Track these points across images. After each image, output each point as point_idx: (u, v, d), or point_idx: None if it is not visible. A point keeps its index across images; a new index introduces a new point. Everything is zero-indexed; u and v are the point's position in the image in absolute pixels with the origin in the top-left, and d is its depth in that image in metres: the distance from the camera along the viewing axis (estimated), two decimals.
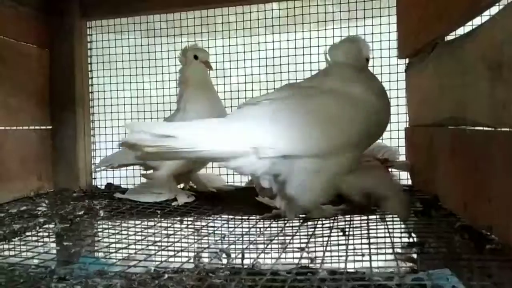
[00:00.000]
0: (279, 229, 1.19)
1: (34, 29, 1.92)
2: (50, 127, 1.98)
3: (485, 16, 1.07)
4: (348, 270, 0.84)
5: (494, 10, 0.95)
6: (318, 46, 1.84)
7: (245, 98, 1.86)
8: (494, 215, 0.91)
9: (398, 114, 1.74)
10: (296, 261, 0.93)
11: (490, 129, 0.95)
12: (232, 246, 1.05)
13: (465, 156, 1.09)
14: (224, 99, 1.88)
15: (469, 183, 1.06)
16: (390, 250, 0.93)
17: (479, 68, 0.97)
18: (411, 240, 1.00)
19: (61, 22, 1.98)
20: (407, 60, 1.73)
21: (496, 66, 0.89)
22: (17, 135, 1.80)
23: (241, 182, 1.87)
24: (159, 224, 1.28)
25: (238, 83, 1.95)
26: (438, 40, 1.33)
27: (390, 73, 1.78)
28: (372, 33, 1.79)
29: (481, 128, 1.00)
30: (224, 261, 0.94)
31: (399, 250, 0.94)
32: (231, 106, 1.89)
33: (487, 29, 0.96)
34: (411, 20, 1.55)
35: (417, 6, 1.48)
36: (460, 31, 1.22)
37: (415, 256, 0.95)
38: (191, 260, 0.93)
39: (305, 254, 0.95)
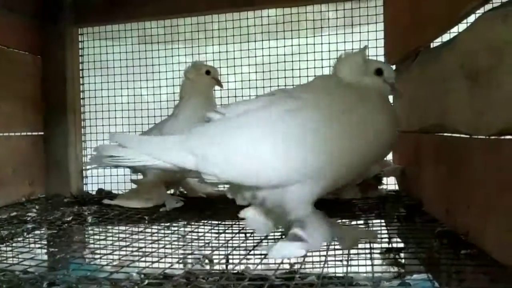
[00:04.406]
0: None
1: (26, 35, 1.93)
2: (42, 133, 1.99)
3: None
4: (337, 275, 0.86)
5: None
6: (313, 52, 1.88)
7: None
8: (472, 221, 0.93)
9: None
10: (286, 266, 0.94)
11: (468, 136, 0.97)
12: (217, 252, 1.06)
13: (447, 163, 1.10)
14: (221, 105, 1.90)
15: (450, 189, 1.08)
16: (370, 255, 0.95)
17: (458, 76, 0.99)
18: (390, 245, 1.02)
19: (54, 29, 2.00)
20: (394, 67, 1.75)
21: (473, 74, 0.91)
22: (9, 141, 1.82)
23: None
24: (146, 230, 1.29)
25: (234, 88, 1.98)
26: (422, 48, 1.35)
27: None
28: (360, 40, 1.82)
29: (460, 135, 1.02)
30: (207, 267, 0.96)
31: (377, 255, 0.96)
32: None
33: (464, 38, 0.98)
34: (398, 28, 1.57)
35: (403, 14, 1.50)
36: (446, 38, 1.24)
37: (402, 261, 0.97)
38: (174, 266, 0.95)
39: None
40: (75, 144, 2.02)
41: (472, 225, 0.93)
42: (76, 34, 2.06)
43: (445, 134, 1.13)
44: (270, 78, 1.94)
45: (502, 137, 0.80)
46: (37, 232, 1.28)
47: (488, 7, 0.93)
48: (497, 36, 0.80)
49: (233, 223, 1.33)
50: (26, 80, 1.93)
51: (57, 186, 1.96)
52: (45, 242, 1.21)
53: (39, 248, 1.14)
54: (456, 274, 0.81)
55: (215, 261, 1.00)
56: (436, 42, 1.32)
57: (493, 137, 0.83)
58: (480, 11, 0.96)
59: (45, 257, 1.10)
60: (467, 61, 0.94)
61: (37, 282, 0.86)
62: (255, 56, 1.96)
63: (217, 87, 1.81)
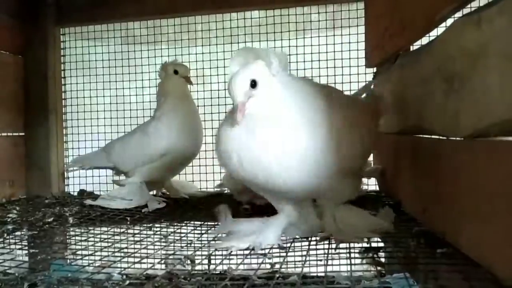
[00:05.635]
0: None
1: (7, 35, 1.92)
2: (23, 133, 1.97)
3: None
4: (318, 274, 0.87)
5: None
6: (295, 54, 1.90)
7: (225, 105, 1.89)
8: (447, 220, 0.95)
9: None
10: (267, 266, 0.95)
11: (443, 138, 0.99)
12: (199, 252, 1.07)
13: (423, 164, 1.13)
14: (204, 105, 1.94)
15: (427, 189, 1.10)
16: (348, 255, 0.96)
17: (436, 79, 1.01)
18: (369, 245, 1.03)
19: (35, 29, 1.98)
20: (375, 69, 1.78)
21: (449, 78, 0.93)
22: None
23: (214, 188, 1.89)
24: (128, 231, 1.29)
25: (218, 90, 1.98)
26: (401, 51, 1.38)
27: (358, 81, 1.82)
28: (341, 43, 1.85)
29: (436, 137, 1.04)
30: (189, 267, 0.96)
31: (356, 255, 0.98)
32: (211, 113, 1.96)
33: (440, 42, 1.00)
34: (378, 31, 1.60)
35: (383, 17, 1.52)
36: (426, 41, 1.27)
37: (381, 260, 0.99)
38: (156, 266, 0.95)
39: (268, 259, 0.97)
40: (57, 145, 2.00)
41: (448, 225, 0.95)
42: (58, 34, 2.04)
43: (423, 136, 1.16)
44: None
45: (475, 139, 0.82)
46: (18, 233, 1.27)
47: (466, 11, 0.95)
48: (470, 40, 0.82)
49: (215, 223, 1.34)
50: (7, 80, 1.91)
51: (38, 187, 1.95)
52: (26, 243, 1.20)
53: (19, 249, 1.13)
54: (431, 273, 0.83)
55: (197, 261, 1.01)
56: (416, 45, 1.35)
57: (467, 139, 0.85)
58: (459, 14, 0.98)
59: (26, 258, 1.09)
60: (443, 65, 0.97)
61: (18, 283, 0.85)
62: None
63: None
